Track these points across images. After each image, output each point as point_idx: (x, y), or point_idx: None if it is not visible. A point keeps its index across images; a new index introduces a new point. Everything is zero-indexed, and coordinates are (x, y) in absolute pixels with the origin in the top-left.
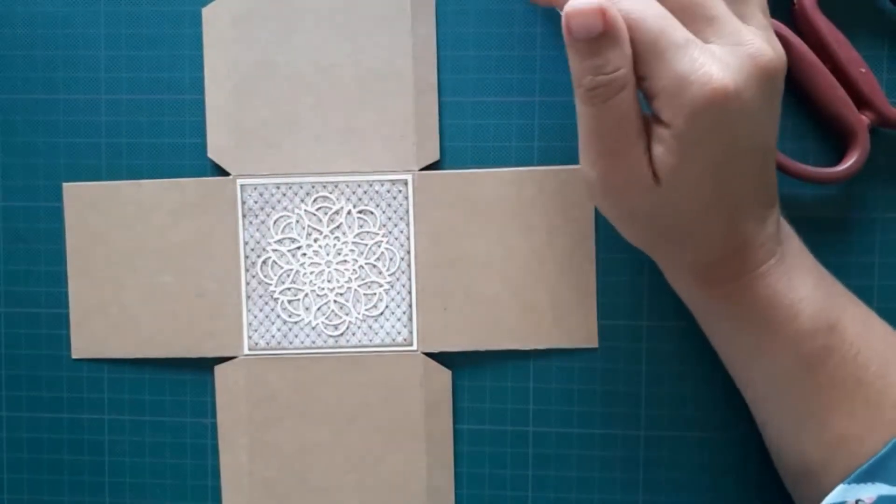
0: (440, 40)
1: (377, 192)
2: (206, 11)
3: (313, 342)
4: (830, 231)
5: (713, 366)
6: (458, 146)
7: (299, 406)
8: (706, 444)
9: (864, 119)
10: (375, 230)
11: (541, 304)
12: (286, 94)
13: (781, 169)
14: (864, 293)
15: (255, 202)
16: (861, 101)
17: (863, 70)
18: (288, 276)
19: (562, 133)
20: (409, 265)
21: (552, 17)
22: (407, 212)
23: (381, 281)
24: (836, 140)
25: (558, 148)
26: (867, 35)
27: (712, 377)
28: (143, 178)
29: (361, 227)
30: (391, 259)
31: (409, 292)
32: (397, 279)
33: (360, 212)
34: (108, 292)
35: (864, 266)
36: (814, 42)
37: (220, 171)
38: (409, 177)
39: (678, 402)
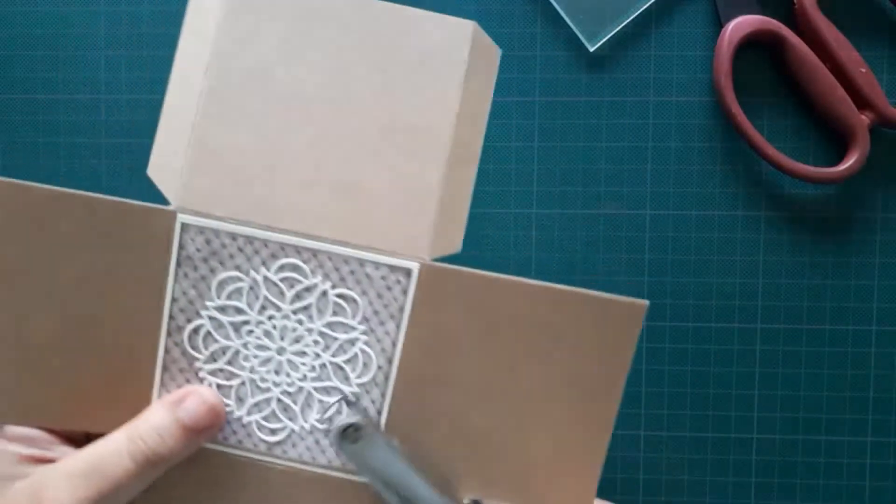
0: None
1: (367, 275)
2: None
3: (239, 441)
4: (830, 231)
5: (713, 366)
6: None
7: None
8: (706, 444)
9: (864, 119)
10: (354, 323)
11: (541, 454)
12: (278, 118)
13: (781, 169)
14: (864, 293)
15: (198, 250)
16: (861, 101)
17: (863, 70)
18: (223, 353)
19: (562, 133)
20: (386, 377)
21: (552, 16)
22: (401, 309)
23: (346, 389)
24: (836, 140)
25: (558, 148)
26: (867, 35)
27: (712, 377)
28: (143, 178)
29: (336, 314)
30: (365, 364)
31: (379, 412)
32: (367, 391)
33: (338, 295)
34: None
35: (864, 266)
36: (814, 42)
37: (161, 199)
38: (415, 266)
39: (678, 402)
